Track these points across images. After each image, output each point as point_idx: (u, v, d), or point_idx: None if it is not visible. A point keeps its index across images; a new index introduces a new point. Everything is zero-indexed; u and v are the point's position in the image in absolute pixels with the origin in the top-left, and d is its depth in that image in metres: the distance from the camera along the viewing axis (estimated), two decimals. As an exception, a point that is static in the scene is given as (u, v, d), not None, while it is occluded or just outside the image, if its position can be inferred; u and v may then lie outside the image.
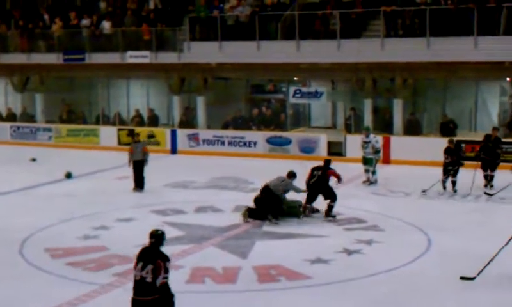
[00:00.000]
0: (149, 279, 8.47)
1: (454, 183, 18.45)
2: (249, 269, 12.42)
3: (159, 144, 26.13)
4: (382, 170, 20.61)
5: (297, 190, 15.90)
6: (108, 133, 27.07)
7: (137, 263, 8.62)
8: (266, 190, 15.72)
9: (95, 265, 12.79)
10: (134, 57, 26.72)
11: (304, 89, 25.30)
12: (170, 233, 14.78)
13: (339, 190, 16.31)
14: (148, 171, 19.06)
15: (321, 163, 16.60)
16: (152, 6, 27.62)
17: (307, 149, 23.98)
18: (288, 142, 24.46)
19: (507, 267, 11.85)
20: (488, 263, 11.67)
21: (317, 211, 16.19)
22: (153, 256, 8.56)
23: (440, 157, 18.66)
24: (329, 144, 23.73)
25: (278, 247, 13.88)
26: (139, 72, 27.37)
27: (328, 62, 23.64)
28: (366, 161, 19.79)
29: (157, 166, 20.76)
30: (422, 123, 24.47)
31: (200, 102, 26.56)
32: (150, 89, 29.36)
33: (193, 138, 25.77)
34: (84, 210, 16.84)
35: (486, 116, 24.16)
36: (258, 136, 24.79)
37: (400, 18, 22.97)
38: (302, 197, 16.08)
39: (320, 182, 16.03)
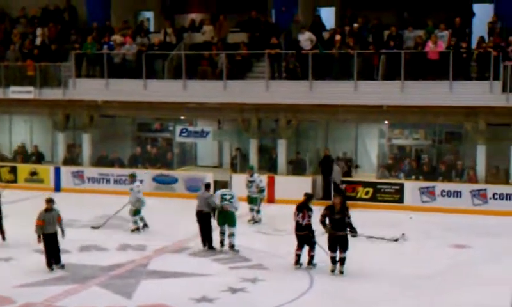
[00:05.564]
0: (300, 222, 14.96)
1: (342, 260, 14.80)
2: (133, 309, 12.39)
3: (43, 181, 25.66)
4: (267, 209, 21.02)
5: None
6: (-12, 171, 26.34)
7: (297, 213, 15.03)
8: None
9: (-27, 307, 12.45)
10: (16, 92, 26.15)
11: (190, 128, 25.48)
12: (53, 273, 14.67)
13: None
14: (30, 210, 18.53)
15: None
16: (38, 42, 27.12)
17: (193, 188, 24.01)
18: (174, 180, 24.52)
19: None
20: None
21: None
22: (303, 208, 15.06)
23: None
24: (216, 183, 23.94)
25: (163, 286, 13.93)
26: (23, 108, 26.78)
27: (214, 102, 23.94)
28: (251, 200, 20.15)
29: (40, 204, 20.30)
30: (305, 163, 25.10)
31: (86, 140, 26.23)
32: (33, 126, 28.72)
33: (78, 176, 25.42)
34: (-39, 250, 16.32)
35: (366, 157, 25.07)
36: (145, 174, 24.67)
37: (284, 61, 23.66)
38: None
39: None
